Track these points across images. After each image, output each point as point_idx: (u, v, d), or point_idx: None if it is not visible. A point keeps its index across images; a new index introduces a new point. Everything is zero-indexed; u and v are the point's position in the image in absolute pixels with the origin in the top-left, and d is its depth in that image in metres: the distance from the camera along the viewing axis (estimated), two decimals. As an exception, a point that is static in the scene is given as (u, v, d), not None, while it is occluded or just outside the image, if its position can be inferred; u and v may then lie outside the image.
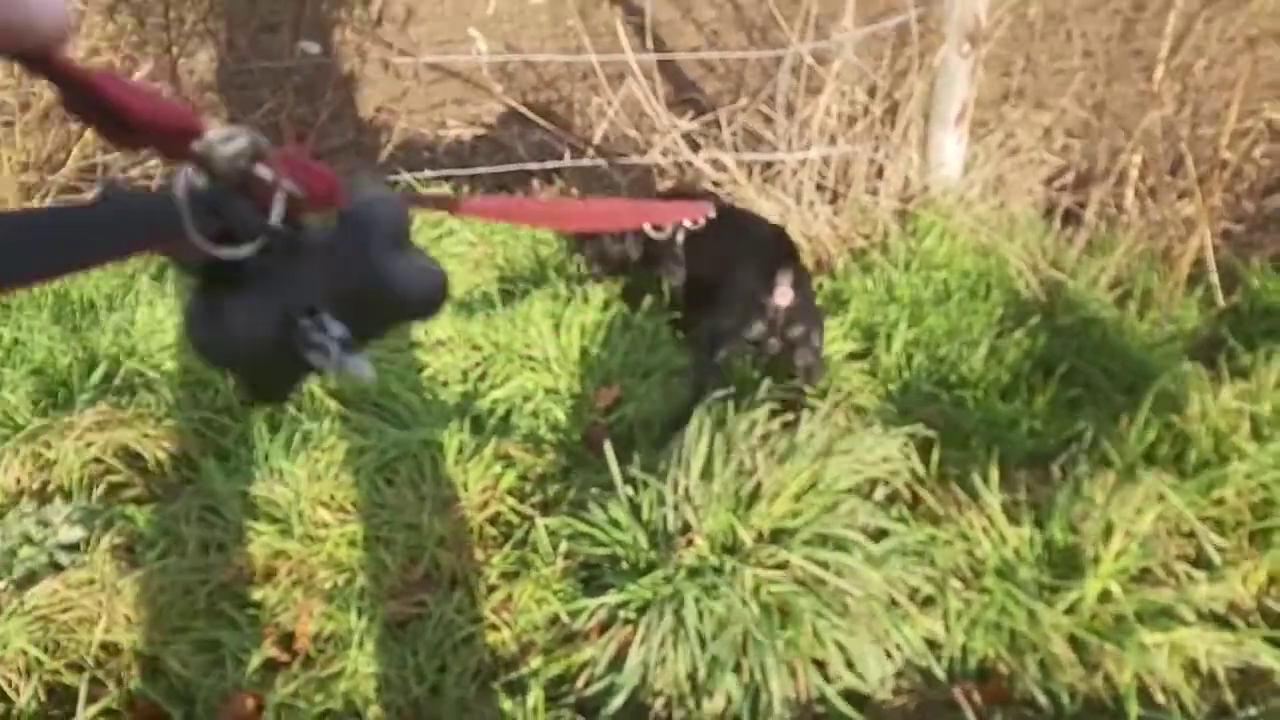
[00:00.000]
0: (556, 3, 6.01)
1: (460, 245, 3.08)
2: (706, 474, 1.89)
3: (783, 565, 1.84)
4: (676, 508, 1.89)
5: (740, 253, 2.48)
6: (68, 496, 2.06)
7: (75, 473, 2.13)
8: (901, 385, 2.59)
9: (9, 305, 2.77)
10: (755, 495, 1.88)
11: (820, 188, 3.13)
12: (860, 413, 2.30)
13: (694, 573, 1.85)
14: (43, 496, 2.07)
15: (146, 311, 2.66)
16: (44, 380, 2.50)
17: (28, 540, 1.89)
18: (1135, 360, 2.65)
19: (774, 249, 2.48)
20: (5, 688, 1.72)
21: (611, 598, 1.87)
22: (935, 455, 2.12)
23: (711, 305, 2.46)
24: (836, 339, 2.68)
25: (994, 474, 1.97)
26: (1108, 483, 1.99)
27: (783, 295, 2.32)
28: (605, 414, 2.47)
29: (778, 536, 1.88)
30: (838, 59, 3.02)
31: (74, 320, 2.72)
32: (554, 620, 1.93)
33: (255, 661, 1.83)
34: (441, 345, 2.69)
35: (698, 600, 1.80)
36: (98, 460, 2.19)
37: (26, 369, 2.52)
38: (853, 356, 2.65)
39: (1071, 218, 3.07)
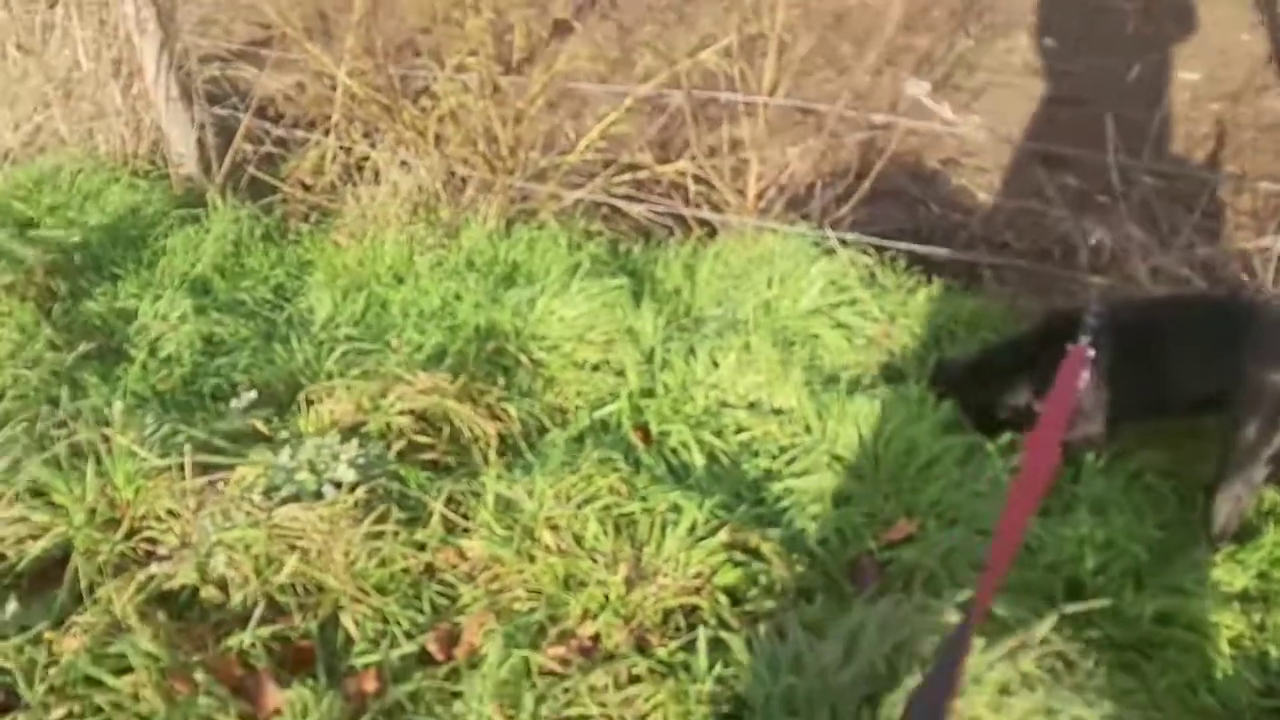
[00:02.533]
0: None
1: (857, 317, 2.84)
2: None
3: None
4: None
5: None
6: (366, 440, 2.32)
7: (386, 421, 2.40)
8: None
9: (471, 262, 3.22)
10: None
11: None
12: None
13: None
14: (352, 434, 2.36)
15: (545, 301, 2.87)
16: (449, 339, 2.84)
17: (310, 467, 2.17)
18: None
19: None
20: (230, 585, 2.01)
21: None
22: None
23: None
24: None
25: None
26: None
27: None
28: (885, 548, 2.13)
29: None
30: None
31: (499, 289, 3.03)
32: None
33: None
34: (780, 414, 2.54)
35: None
36: (413, 415, 2.44)
37: (445, 327, 2.89)
38: None
39: None
